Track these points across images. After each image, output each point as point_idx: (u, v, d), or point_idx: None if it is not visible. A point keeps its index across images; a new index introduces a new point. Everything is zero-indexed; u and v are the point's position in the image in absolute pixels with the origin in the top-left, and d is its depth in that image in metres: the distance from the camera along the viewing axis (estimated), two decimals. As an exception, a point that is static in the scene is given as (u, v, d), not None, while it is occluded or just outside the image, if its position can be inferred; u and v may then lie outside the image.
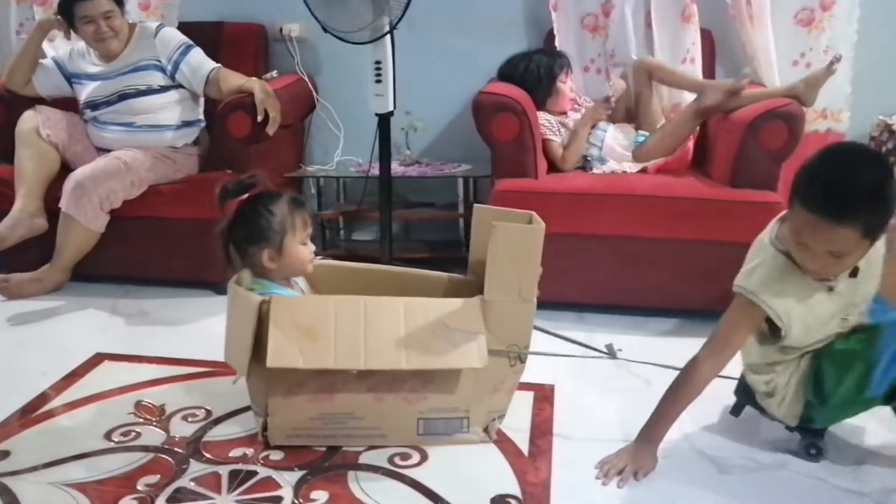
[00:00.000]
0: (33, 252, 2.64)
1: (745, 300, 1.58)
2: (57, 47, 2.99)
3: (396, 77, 2.48)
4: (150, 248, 2.72)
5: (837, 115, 2.87)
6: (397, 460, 1.70)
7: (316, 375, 1.68)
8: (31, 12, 3.24)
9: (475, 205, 1.91)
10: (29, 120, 2.66)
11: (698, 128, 2.70)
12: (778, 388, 1.67)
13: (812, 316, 1.57)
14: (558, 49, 2.87)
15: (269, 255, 1.77)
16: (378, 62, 2.44)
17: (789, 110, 2.35)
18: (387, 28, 2.33)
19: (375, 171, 2.64)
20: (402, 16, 2.31)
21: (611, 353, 2.02)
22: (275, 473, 1.65)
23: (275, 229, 1.75)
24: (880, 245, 1.53)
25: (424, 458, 1.71)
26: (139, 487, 1.59)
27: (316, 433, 1.74)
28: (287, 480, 1.62)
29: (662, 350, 2.25)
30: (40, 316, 2.54)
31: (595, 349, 2.11)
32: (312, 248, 1.85)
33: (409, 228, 3.28)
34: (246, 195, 1.77)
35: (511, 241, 1.64)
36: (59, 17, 2.67)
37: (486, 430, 1.78)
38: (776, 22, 2.76)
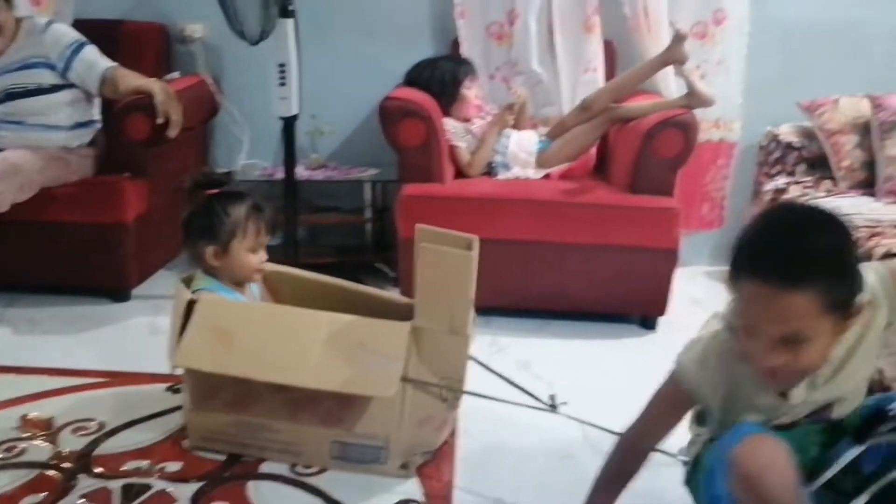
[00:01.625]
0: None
1: (676, 378, 1.30)
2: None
3: (302, 80, 2.45)
4: (41, 255, 2.59)
5: (729, 125, 3.00)
6: (299, 468, 1.68)
7: (235, 381, 1.62)
8: None
9: (417, 225, 1.75)
10: None
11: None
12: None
13: (753, 415, 1.27)
14: (464, 56, 2.90)
15: (213, 252, 1.78)
16: (282, 64, 2.41)
17: (684, 119, 2.44)
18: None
19: (281, 175, 2.61)
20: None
21: (553, 405, 1.80)
22: (170, 486, 1.60)
23: (225, 229, 1.77)
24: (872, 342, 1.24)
25: (327, 465, 1.70)
26: (23, 506, 1.52)
27: (230, 440, 1.70)
28: (183, 493, 1.58)
29: (565, 352, 2.31)
30: (-82, 326, 2.40)
31: (535, 397, 1.82)
32: (264, 257, 1.85)
33: (315, 233, 3.24)
34: (215, 189, 1.80)
35: (440, 267, 1.55)
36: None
37: (405, 465, 1.67)
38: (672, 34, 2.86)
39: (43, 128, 2.58)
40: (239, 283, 1.84)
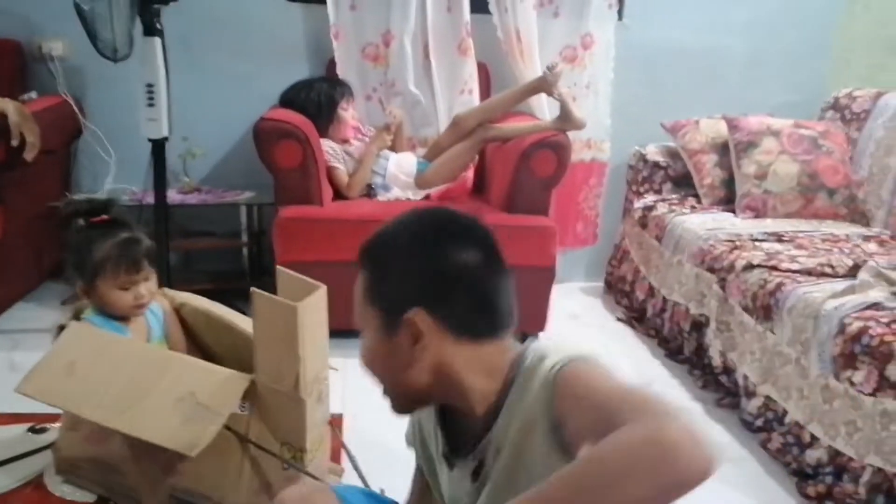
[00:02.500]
0: None
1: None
2: None
3: (171, 101, 2.36)
4: None
5: (600, 146, 3.13)
6: (174, 508, 1.59)
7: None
8: None
9: (278, 267, 1.56)
10: None
11: (477, 157, 2.81)
12: None
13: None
14: (340, 77, 2.88)
15: (81, 288, 1.71)
16: (150, 85, 2.31)
17: (557, 140, 2.51)
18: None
19: (151, 200, 2.50)
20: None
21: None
22: (30, 536, 1.49)
23: (87, 268, 1.67)
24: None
25: None
26: None
27: (89, 476, 1.60)
28: (44, 542, 1.47)
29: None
30: None
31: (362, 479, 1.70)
32: (141, 293, 1.72)
33: (189, 259, 3.13)
34: (93, 219, 1.71)
35: (270, 318, 1.38)
36: None
37: None
38: (543, 57, 2.95)
39: None
40: (124, 317, 1.75)
